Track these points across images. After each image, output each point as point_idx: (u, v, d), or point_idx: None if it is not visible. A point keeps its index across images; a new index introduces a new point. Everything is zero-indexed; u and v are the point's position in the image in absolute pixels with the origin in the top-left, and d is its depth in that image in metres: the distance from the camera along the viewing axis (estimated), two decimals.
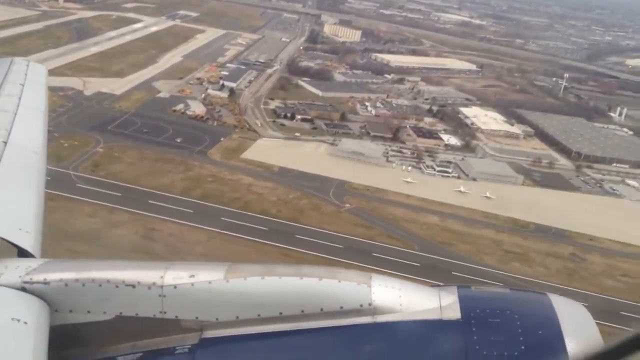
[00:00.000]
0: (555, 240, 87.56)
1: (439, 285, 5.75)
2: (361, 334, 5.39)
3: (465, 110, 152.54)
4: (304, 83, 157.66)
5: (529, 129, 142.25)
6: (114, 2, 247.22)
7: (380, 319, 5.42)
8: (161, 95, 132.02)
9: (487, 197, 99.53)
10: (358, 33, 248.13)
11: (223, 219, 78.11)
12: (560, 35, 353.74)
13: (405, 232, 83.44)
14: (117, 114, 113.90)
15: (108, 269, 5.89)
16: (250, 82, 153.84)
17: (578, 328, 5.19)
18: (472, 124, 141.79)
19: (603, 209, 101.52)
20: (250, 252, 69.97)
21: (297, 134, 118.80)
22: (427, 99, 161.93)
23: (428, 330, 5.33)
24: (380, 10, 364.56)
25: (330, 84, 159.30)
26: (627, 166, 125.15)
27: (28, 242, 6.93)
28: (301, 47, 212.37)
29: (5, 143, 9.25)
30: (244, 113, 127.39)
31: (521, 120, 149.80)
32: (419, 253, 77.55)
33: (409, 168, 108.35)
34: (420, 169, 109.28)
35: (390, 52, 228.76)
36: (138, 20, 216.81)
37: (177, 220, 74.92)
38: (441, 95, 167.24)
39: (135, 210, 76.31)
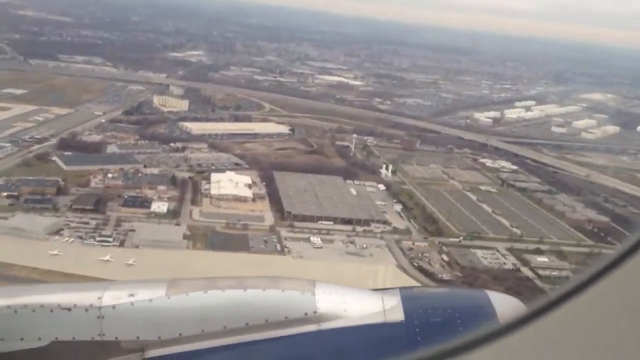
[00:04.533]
0: None
1: (382, 289, 6.07)
2: (307, 342, 5.55)
3: (215, 175, 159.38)
4: (56, 158, 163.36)
5: (262, 192, 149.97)
6: None
7: (326, 325, 5.62)
8: None
9: (129, 264, 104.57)
10: (185, 102, 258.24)
11: None
12: (433, 92, 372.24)
13: None
14: None
15: (42, 293, 5.92)
16: None
17: None
18: (206, 189, 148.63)
19: (248, 266, 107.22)
20: None
21: None
22: (190, 166, 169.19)
23: (373, 333, 5.56)
24: (255, 77, 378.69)
25: (83, 157, 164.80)
26: (332, 223, 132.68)
27: None
28: (103, 120, 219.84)
29: None
30: None
31: (270, 182, 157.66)
32: None
33: (71, 240, 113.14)
34: (83, 240, 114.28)
35: (209, 119, 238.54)
36: None
37: None
38: (208, 162, 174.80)
39: None
